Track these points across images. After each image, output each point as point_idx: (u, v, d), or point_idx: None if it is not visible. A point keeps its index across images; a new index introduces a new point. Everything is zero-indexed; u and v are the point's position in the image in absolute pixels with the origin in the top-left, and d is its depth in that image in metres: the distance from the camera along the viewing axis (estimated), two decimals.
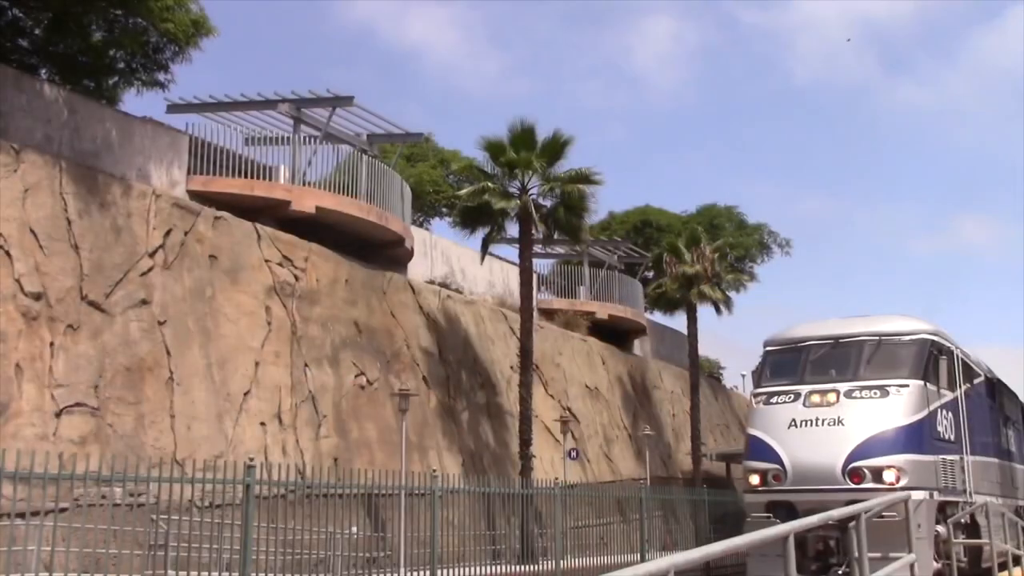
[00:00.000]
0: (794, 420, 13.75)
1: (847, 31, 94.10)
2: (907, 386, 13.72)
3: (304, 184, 21.22)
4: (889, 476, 12.85)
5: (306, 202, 20.16)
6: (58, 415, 13.78)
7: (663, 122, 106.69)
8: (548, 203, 23.78)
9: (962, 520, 14.24)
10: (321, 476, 15.06)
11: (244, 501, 12.55)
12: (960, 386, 15.51)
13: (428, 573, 15.05)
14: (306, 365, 18.63)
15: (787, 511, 12.97)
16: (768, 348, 15.80)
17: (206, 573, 12.56)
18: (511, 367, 24.99)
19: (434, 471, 16.56)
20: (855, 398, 13.64)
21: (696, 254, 32.23)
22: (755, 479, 13.86)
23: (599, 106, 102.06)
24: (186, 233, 17.00)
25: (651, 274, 38.06)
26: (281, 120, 22.91)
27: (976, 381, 17.20)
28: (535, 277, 26.06)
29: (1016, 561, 15.51)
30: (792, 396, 14.14)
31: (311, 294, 19.36)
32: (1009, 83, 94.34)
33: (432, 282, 25.13)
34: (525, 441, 22.43)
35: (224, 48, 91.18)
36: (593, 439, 28.93)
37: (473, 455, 22.88)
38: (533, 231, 23.23)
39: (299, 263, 19.30)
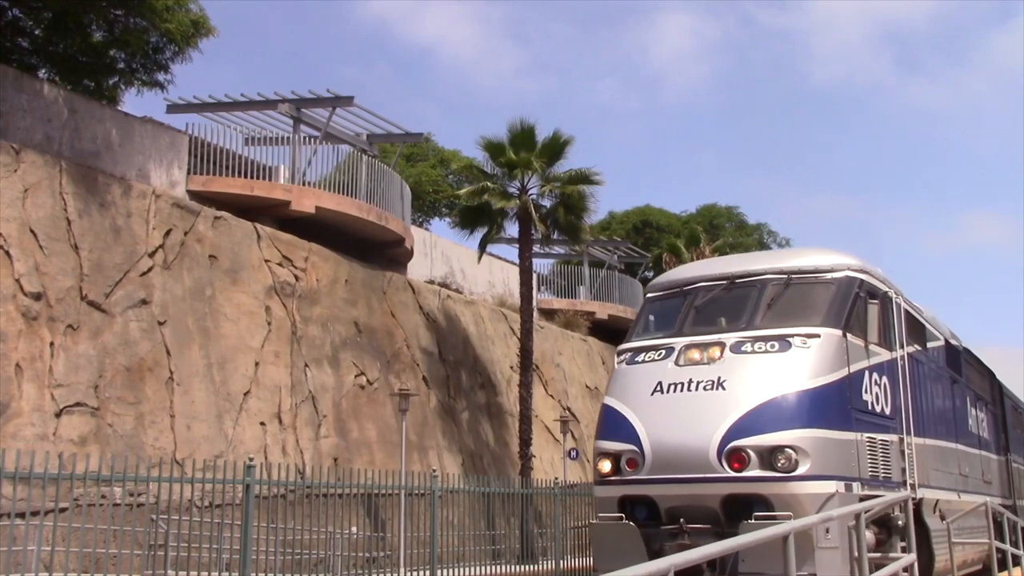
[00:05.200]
0: (660, 384, 10.22)
1: (864, 32, 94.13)
2: (817, 336, 10.06)
3: (304, 184, 21.23)
4: (781, 459, 9.38)
5: (306, 202, 20.17)
6: (58, 415, 13.78)
7: (670, 122, 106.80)
8: (548, 203, 23.80)
9: (898, 522, 10.72)
10: (321, 476, 15.06)
11: (244, 501, 12.57)
12: (902, 345, 11.80)
13: (428, 573, 15.06)
14: (306, 365, 18.63)
15: (647, 509, 10.05)
16: (648, 295, 12.21)
17: (206, 573, 12.57)
18: (511, 367, 24.99)
19: (434, 471, 16.56)
20: (745, 352, 10.06)
21: (696, 254, 32.21)
22: (606, 465, 10.53)
23: (611, 105, 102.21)
24: (186, 233, 17.00)
25: (651, 274, 38.09)
26: (281, 120, 22.92)
27: (932, 345, 13.66)
28: (535, 277, 26.06)
29: (1016, 562, 14.94)
30: (663, 352, 10.53)
31: (311, 294, 19.36)
32: (1020, 82, 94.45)
33: (432, 282, 25.13)
34: (525, 441, 22.43)
35: (225, 48, 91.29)
36: (593, 439, 28.88)
37: (473, 455, 22.88)
38: (533, 231, 23.23)
39: (299, 263, 19.31)
